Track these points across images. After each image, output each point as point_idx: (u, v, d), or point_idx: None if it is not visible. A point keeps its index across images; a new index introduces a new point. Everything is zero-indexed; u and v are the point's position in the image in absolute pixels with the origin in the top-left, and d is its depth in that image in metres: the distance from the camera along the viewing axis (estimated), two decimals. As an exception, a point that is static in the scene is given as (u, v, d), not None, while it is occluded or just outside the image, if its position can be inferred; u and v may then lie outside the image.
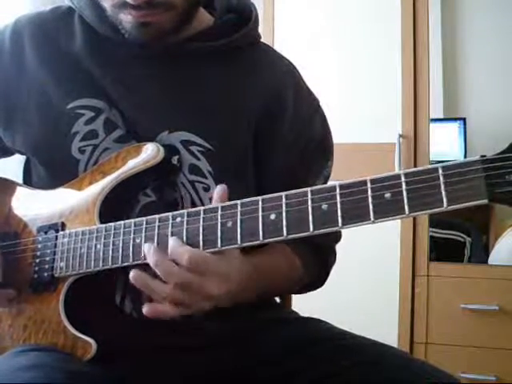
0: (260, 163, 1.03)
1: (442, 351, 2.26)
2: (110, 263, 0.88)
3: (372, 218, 0.72)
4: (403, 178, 0.71)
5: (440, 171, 0.69)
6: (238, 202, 0.81)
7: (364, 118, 2.37)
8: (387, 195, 0.71)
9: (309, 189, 0.77)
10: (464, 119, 2.49)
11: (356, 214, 0.73)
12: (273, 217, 0.78)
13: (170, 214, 0.85)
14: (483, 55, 2.52)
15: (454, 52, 2.54)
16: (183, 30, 0.98)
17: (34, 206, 1.02)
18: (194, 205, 0.96)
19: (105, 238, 0.89)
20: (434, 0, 2.41)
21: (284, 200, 0.78)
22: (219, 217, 0.81)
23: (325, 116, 1.12)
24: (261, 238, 0.78)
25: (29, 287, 0.95)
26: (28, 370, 0.77)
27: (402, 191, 0.70)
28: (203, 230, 0.82)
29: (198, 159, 0.97)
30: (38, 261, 0.96)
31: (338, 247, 1.13)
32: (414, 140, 2.30)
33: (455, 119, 2.52)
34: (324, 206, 0.75)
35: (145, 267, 0.83)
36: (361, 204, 0.72)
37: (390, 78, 2.33)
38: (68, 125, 0.98)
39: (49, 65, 1.01)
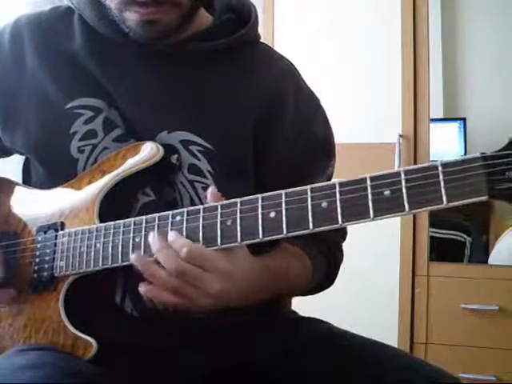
0: (261, 163, 1.02)
1: (442, 351, 2.26)
2: (109, 262, 0.88)
3: (371, 216, 0.72)
4: (403, 176, 0.71)
5: (440, 168, 0.69)
6: (238, 200, 0.81)
7: (364, 117, 2.37)
8: (387, 192, 0.71)
9: (308, 186, 0.77)
10: (464, 119, 2.49)
11: (356, 212, 0.73)
12: (272, 215, 0.78)
13: (169, 212, 0.85)
14: (483, 55, 2.52)
15: (454, 52, 2.54)
16: (184, 29, 0.98)
17: (33, 205, 1.02)
18: (193, 204, 0.96)
19: (104, 237, 0.89)
20: (434, 0, 2.41)
21: (284, 198, 0.78)
22: (219, 215, 0.81)
23: (326, 115, 1.12)
24: (260, 236, 0.79)
25: (29, 287, 0.95)
26: (28, 369, 0.77)
27: (401, 188, 0.70)
28: (203, 228, 0.82)
29: (198, 159, 0.97)
30: (37, 260, 0.96)
31: (338, 247, 1.13)
32: (414, 140, 2.30)
33: (455, 119, 2.52)
34: (324, 204, 0.75)
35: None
36: (360, 201, 0.73)
37: (389, 78, 2.33)
38: (67, 124, 0.98)
39: (48, 64, 1.01)
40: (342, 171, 1.16)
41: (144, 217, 0.87)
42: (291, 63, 1.12)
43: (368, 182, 0.73)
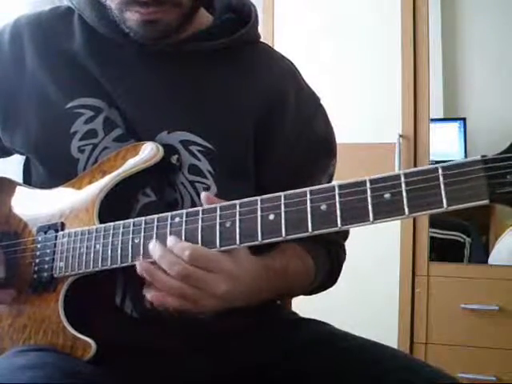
0: (261, 163, 1.02)
1: (442, 351, 2.26)
2: (109, 263, 0.88)
3: (371, 219, 0.72)
4: (403, 178, 0.71)
5: (440, 171, 0.69)
6: (237, 202, 0.81)
7: (364, 117, 2.37)
8: (387, 195, 0.71)
9: (308, 189, 0.77)
10: (464, 119, 2.49)
11: (355, 215, 0.73)
12: (272, 217, 0.78)
13: (168, 213, 0.85)
14: (483, 55, 2.52)
15: (454, 52, 2.54)
16: (184, 29, 0.98)
17: (33, 205, 1.02)
18: (194, 205, 0.96)
19: (104, 238, 0.89)
20: (434, 0, 2.41)
21: (283, 200, 0.78)
22: (218, 217, 0.81)
23: (327, 114, 1.11)
24: (259, 238, 0.78)
25: (28, 287, 0.95)
26: (28, 369, 0.77)
27: (401, 191, 0.70)
28: (202, 230, 0.82)
29: (198, 159, 0.97)
30: (37, 261, 0.96)
31: (338, 247, 1.13)
32: (414, 140, 2.30)
33: (455, 119, 2.52)
34: (323, 207, 0.75)
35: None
36: (360, 204, 0.72)
37: (390, 78, 2.33)
38: (67, 124, 0.98)
39: (48, 64, 1.01)
40: (342, 171, 1.16)
41: (143, 218, 0.87)
42: (291, 63, 1.12)
43: (368, 184, 0.73)
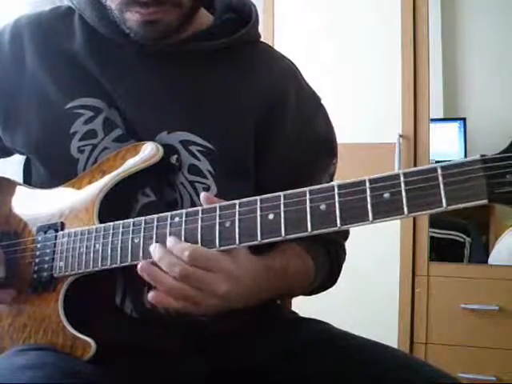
0: (262, 163, 1.02)
1: (442, 351, 2.26)
2: (108, 263, 0.88)
3: (371, 219, 0.72)
4: (402, 178, 0.71)
5: (439, 171, 0.69)
6: (237, 201, 0.81)
7: (364, 117, 2.37)
8: (386, 195, 0.71)
9: (307, 188, 0.77)
10: (464, 119, 2.49)
11: (354, 214, 0.73)
12: (271, 217, 0.78)
13: (168, 213, 0.85)
14: (483, 55, 2.52)
15: (454, 52, 2.54)
16: (184, 29, 0.98)
17: (33, 205, 1.02)
18: (193, 205, 0.95)
19: (103, 238, 0.89)
20: (434, 0, 2.41)
21: (282, 200, 0.78)
22: (217, 217, 0.81)
23: (327, 114, 1.11)
24: (259, 238, 0.78)
25: (28, 287, 0.95)
26: (27, 369, 0.77)
27: (401, 191, 0.70)
28: (201, 229, 0.82)
29: (198, 159, 0.97)
30: (37, 260, 0.96)
31: (338, 247, 1.13)
32: (414, 140, 2.30)
33: (455, 119, 2.52)
34: (322, 206, 0.75)
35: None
36: (359, 204, 0.72)
37: (390, 78, 2.33)
38: (67, 124, 0.98)
39: (48, 64, 1.01)
40: (342, 171, 1.16)
41: (143, 218, 0.87)
42: (292, 63, 1.12)
43: (367, 184, 0.72)
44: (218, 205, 0.82)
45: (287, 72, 1.09)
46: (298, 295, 1.10)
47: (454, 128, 2.50)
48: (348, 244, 1.13)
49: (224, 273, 0.81)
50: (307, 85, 1.11)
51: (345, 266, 1.12)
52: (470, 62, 2.55)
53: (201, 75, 1.02)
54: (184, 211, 0.84)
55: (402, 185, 0.70)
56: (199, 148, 0.97)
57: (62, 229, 0.95)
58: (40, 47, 1.02)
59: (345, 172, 1.10)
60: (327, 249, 1.07)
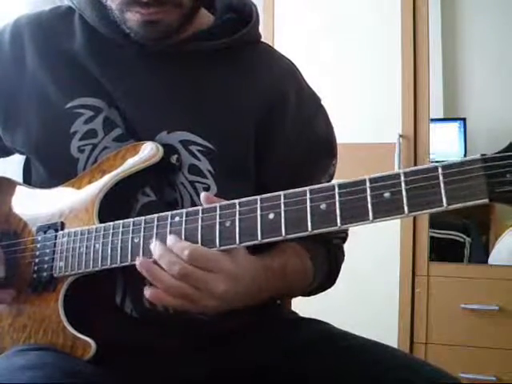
0: (262, 163, 1.02)
1: (442, 351, 2.26)
2: (108, 263, 0.88)
3: (371, 218, 0.72)
4: (402, 177, 0.71)
5: (440, 170, 0.69)
6: (237, 201, 0.81)
7: (364, 117, 2.37)
8: (386, 194, 0.71)
9: (307, 188, 0.77)
10: (464, 119, 2.49)
11: (355, 214, 0.73)
12: (271, 216, 0.78)
13: (168, 213, 0.85)
14: (483, 55, 2.52)
15: (454, 52, 2.54)
16: (185, 29, 0.98)
17: (33, 205, 1.02)
18: (193, 205, 0.95)
19: (103, 238, 0.89)
20: (434, 0, 2.41)
21: (283, 199, 0.78)
22: (217, 216, 0.81)
23: (327, 114, 1.11)
24: (259, 237, 0.78)
25: (28, 287, 0.95)
26: (28, 369, 0.77)
27: (401, 190, 0.70)
28: (202, 229, 0.82)
29: (198, 159, 0.97)
30: (37, 260, 0.96)
31: (339, 247, 1.12)
32: (414, 140, 2.30)
33: (455, 119, 2.52)
34: (323, 206, 0.75)
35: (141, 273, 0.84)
36: (360, 203, 0.72)
37: (390, 78, 2.32)
38: (67, 124, 0.98)
39: (48, 64, 1.01)
40: (342, 171, 1.16)
41: (143, 217, 0.87)
42: (292, 63, 1.12)
43: (367, 183, 0.72)
44: (218, 204, 0.82)
45: (287, 72, 1.09)
46: (297, 295, 1.10)
47: (453, 128, 2.50)
48: (348, 244, 1.13)
49: (223, 273, 0.81)
50: (307, 85, 1.11)
51: (344, 265, 1.12)
52: (470, 61, 2.55)
53: (201, 75, 1.02)
54: (184, 211, 0.84)
55: (403, 184, 0.70)
56: (199, 148, 0.97)
57: (62, 229, 0.95)
58: (40, 47, 1.02)
59: (345, 172, 1.10)
60: (327, 249, 1.07)
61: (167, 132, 0.97)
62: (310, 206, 0.76)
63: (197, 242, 0.82)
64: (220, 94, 1.01)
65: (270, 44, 1.21)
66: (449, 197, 0.68)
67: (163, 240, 0.83)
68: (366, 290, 2.33)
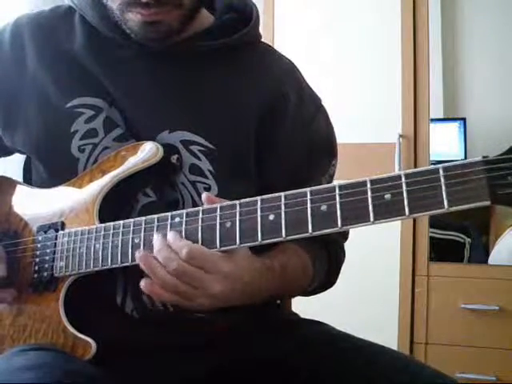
0: (262, 163, 1.02)
1: (442, 351, 2.26)
2: (109, 263, 0.88)
3: (372, 219, 0.72)
4: (403, 179, 0.71)
5: (441, 172, 0.69)
6: (237, 202, 0.81)
7: (364, 117, 2.37)
8: (387, 196, 0.71)
9: (308, 189, 0.77)
10: (464, 119, 2.49)
11: (355, 215, 0.73)
12: (272, 217, 0.78)
13: (168, 213, 0.85)
14: (483, 55, 2.52)
15: (454, 52, 2.54)
16: (185, 29, 0.98)
17: (34, 204, 1.02)
18: (194, 205, 0.96)
19: (104, 238, 0.89)
20: (434, 0, 2.41)
21: (283, 200, 0.78)
22: (218, 217, 0.81)
23: (327, 115, 1.12)
24: (259, 238, 0.78)
25: (29, 287, 0.95)
26: (28, 369, 0.77)
27: (402, 192, 0.70)
28: (202, 230, 0.82)
29: (199, 159, 0.97)
30: (37, 260, 0.96)
31: (339, 247, 1.12)
32: (414, 140, 2.30)
33: (455, 119, 2.52)
34: (323, 207, 0.75)
35: (142, 273, 0.84)
36: (360, 205, 0.72)
37: (390, 78, 2.32)
38: (67, 123, 0.98)
39: (49, 64, 1.01)
40: (342, 171, 1.16)
41: (143, 218, 0.87)
42: (292, 63, 1.12)
43: (368, 185, 0.72)
44: (218, 205, 0.82)
45: (288, 72, 1.09)
46: (296, 295, 1.10)
47: (453, 128, 2.50)
48: (348, 244, 1.13)
49: (220, 274, 0.81)
50: (307, 85, 1.11)
51: (345, 265, 1.12)
52: (470, 62, 2.55)
53: (201, 75, 1.02)
54: (184, 211, 0.84)
55: (404, 186, 0.70)
56: (200, 148, 0.97)
57: (63, 228, 0.95)
58: (40, 47, 1.02)
59: (345, 172, 1.10)
60: (327, 249, 1.07)
61: (168, 132, 0.97)
62: (311, 208, 0.76)
63: (197, 243, 0.82)
64: (220, 94, 1.01)
65: (270, 44, 1.21)
66: (450, 199, 0.67)
67: (165, 238, 0.83)
68: (366, 290, 2.33)
